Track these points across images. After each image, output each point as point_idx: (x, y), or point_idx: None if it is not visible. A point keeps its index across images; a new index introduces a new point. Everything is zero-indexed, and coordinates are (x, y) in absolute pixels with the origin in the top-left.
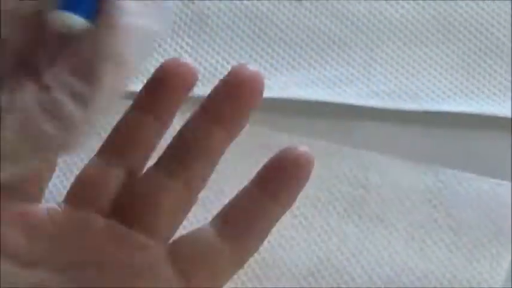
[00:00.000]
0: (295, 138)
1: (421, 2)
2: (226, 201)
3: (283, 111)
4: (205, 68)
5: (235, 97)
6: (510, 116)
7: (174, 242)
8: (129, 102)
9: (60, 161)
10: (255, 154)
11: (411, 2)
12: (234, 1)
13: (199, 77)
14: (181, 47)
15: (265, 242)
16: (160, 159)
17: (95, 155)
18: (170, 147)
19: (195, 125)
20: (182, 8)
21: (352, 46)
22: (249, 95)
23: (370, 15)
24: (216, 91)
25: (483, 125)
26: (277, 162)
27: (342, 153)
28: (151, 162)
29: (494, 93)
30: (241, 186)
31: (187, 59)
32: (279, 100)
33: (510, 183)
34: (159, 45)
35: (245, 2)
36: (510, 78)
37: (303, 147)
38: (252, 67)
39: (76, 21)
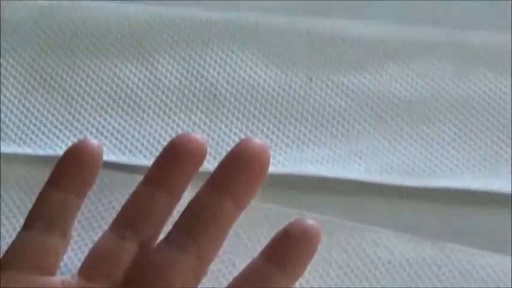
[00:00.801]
0: (306, 214)
1: (429, 80)
2: (236, 274)
3: (294, 187)
4: (217, 143)
5: (243, 169)
6: (510, 192)
7: None
8: (141, 177)
9: (75, 234)
10: (266, 229)
11: (419, 80)
12: (246, 78)
13: (211, 151)
14: (194, 122)
15: None
16: (171, 232)
17: (108, 228)
18: (180, 220)
19: (204, 197)
20: (195, 83)
21: (362, 122)
22: (257, 166)
23: (379, 93)
24: (224, 164)
25: (484, 200)
26: (285, 234)
27: (351, 228)
28: (163, 234)
29: (496, 170)
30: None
31: (197, 133)
32: (290, 176)
33: (510, 258)
34: (173, 121)
35: (257, 78)
36: (510, 155)
37: (311, 220)
38: (258, 139)
39: None
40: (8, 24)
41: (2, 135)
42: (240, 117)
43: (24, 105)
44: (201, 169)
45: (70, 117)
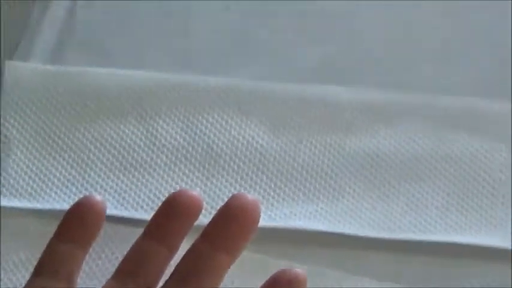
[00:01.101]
0: (295, 265)
1: (411, 141)
2: None
3: (284, 241)
4: (213, 199)
5: (236, 222)
6: (510, 248)
7: None
8: (141, 230)
9: (79, 282)
10: (257, 279)
11: (402, 141)
12: (241, 139)
13: (207, 206)
14: (192, 180)
15: None
16: (168, 281)
17: (111, 278)
18: (177, 269)
19: (199, 249)
20: (193, 144)
21: (348, 181)
22: (249, 220)
23: (364, 154)
24: (218, 217)
25: (483, 256)
26: (275, 280)
27: (340, 279)
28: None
29: (495, 226)
30: None
31: (194, 190)
32: (280, 230)
33: None
34: (172, 179)
35: (250, 140)
36: (510, 211)
37: (298, 269)
38: (250, 196)
39: None
40: (14, 85)
41: (14, 191)
42: (235, 175)
43: (34, 164)
44: (197, 222)
45: (76, 175)
